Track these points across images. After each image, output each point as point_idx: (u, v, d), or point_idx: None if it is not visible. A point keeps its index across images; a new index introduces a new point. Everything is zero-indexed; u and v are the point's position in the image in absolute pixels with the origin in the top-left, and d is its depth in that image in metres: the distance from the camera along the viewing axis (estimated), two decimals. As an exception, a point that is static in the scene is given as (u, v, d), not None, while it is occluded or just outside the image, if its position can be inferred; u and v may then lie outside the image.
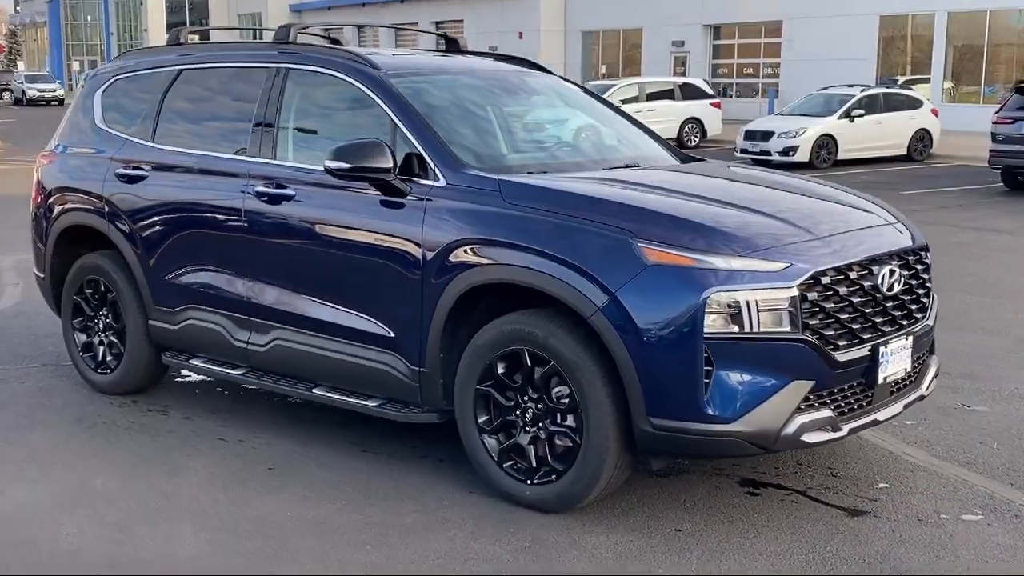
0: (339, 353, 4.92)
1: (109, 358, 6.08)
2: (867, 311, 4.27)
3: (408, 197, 4.63)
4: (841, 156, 22.27)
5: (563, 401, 4.25)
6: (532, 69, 5.91)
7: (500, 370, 4.39)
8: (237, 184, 5.28)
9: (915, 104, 23.96)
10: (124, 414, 5.76)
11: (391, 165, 4.61)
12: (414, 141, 4.73)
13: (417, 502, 4.54)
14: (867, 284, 4.26)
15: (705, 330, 3.91)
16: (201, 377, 6.33)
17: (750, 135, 22.96)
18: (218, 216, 5.35)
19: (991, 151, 17.57)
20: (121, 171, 5.85)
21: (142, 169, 5.76)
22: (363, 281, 4.80)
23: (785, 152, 21.88)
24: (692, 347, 3.92)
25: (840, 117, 22.43)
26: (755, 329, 3.95)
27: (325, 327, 4.96)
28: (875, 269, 4.30)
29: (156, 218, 5.65)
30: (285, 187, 5.08)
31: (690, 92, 28.06)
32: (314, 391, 5.10)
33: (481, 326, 4.51)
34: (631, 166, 5.20)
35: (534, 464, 4.35)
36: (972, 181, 18.93)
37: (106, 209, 5.89)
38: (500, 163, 4.93)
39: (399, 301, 4.66)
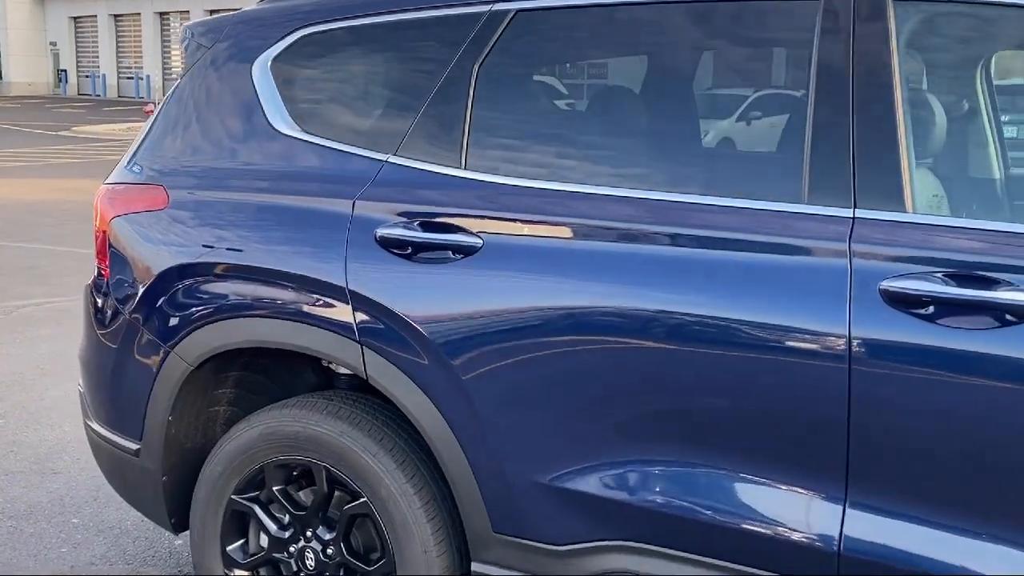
0: None
1: (336, 634, 2.84)
2: None
3: None
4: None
5: None
6: None
7: None
8: (810, 271, 2.24)
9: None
10: None
11: None
12: None
13: None
14: None
15: None
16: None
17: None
18: (740, 344, 2.25)
19: None
20: (394, 233, 2.60)
21: (457, 231, 2.55)
22: None
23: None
24: None
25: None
26: None
27: None
28: None
29: (514, 341, 2.45)
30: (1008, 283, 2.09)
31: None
32: None
33: None
34: None
35: None
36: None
37: (357, 318, 2.63)
38: None
39: None
